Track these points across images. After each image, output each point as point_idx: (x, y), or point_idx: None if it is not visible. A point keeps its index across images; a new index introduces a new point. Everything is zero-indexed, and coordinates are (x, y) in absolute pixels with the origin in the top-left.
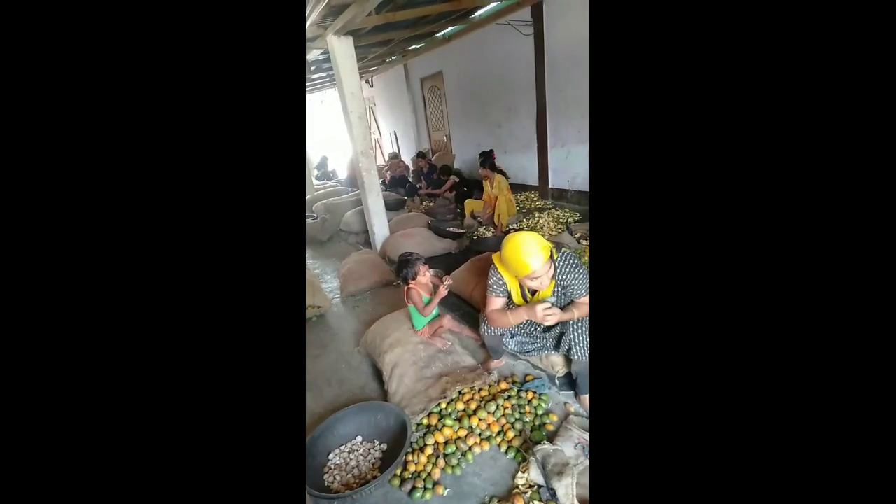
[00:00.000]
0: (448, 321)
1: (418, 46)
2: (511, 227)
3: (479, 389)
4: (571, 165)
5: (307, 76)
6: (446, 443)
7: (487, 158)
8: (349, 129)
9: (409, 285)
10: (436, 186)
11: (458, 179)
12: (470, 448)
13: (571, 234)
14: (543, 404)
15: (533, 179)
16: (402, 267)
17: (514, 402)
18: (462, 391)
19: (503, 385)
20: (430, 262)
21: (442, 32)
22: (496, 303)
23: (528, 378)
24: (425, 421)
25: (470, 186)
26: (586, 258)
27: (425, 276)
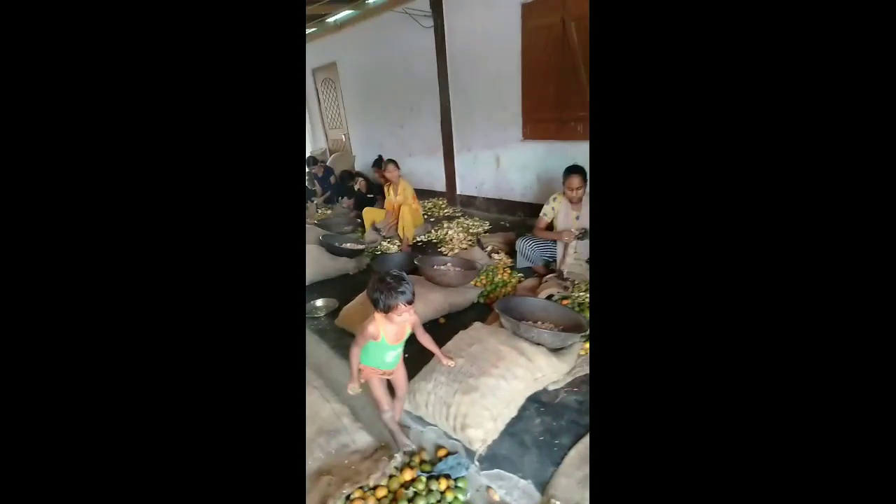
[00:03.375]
0: (402, 375)
1: (308, 32)
2: (418, 240)
3: (375, 487)
4: (479, 171)
5: None
6: None
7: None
8: None
9: (374, 317)
10: (333, 191)
11: (366, 183)
12: None
13: (483, 249)
14: (461, 496)
15: (440, 185)
16: (379, 289)
17: (423, 503)
18: (351, 496)
19: (407, 475)
20: (323, 286)
21: (333, 18)
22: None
23: (441, 453)
24: None
25: (375, 191)
26: (500, 276)
27: (402, 316)
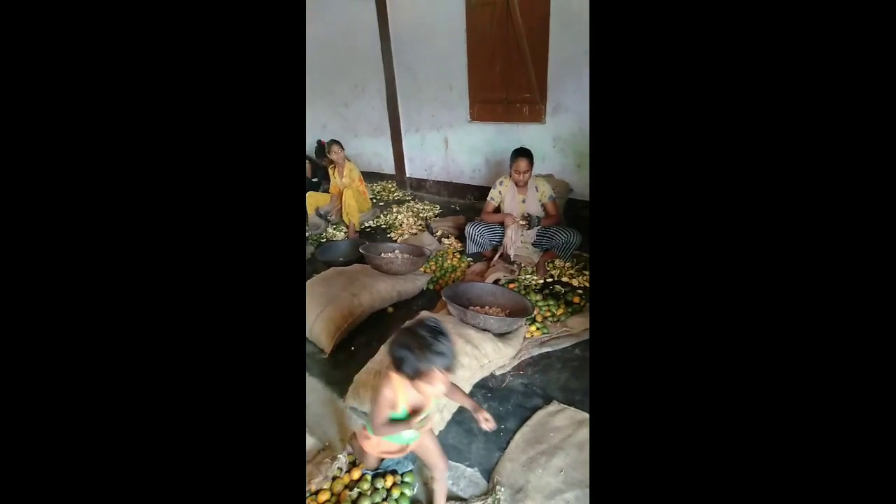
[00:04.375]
0: (432, 446)
1: None
2: (366, 226)
3: (318, 491)
4: (428, 153)
5: None
6: None
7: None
8: None
9: (390, 376)
10: None
11: (310, 166)
12: None
13: (432, 234)
14: (407, 491)
15: (389, 167)
16: (408, 345)
17: (367, 503)
18: None
19: (355, 474)
20: None
21: None
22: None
23: None
24: None
25: (319, 175)
26: (450, 262)
27: (436, 387)
